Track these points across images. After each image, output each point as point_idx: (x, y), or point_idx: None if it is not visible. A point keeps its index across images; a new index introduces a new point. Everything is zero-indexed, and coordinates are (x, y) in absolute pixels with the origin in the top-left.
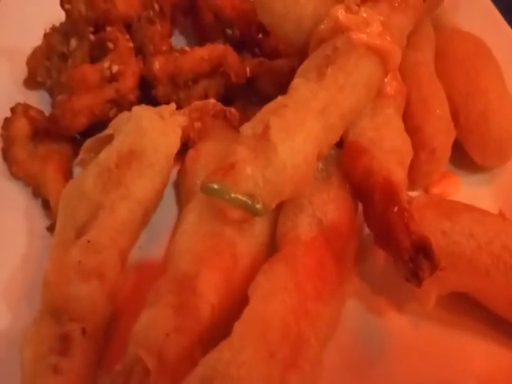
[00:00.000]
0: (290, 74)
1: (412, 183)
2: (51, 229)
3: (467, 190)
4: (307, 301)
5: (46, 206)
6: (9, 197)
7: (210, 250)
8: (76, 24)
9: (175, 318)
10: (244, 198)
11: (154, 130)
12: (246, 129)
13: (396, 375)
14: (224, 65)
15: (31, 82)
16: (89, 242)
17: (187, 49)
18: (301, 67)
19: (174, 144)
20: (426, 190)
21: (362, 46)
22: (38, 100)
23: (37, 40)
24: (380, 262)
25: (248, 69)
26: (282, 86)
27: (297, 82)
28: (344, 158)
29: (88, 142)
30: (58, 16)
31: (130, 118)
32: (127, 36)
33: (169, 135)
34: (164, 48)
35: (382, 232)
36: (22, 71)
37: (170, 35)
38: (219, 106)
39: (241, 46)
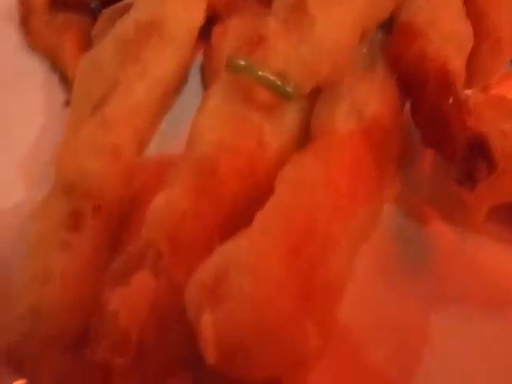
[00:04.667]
0: None
1: (470, 79)
2: (67, 104)
3: None
4: (340, 198)
5: (64, 79)
6: (27, 69)
7: (234, 133)
8: None
9: (193, 200)
10: (273, 77)
11: (176, 1)
12: None
13: (436, 288)
14: None
15: None
16: (103, 118)
17: None
18: None
19: (198, 16)
20: (484, 91)
21: None
22: None
23: None
24: (426, 166)
25: None
26: None
27: None
28: (394, 40)
29: (105, 13)
30: None
31: None
32: None
33: (192, 7)
34: None
35: (432, 128)
36: None
37: None
38: None
39: None
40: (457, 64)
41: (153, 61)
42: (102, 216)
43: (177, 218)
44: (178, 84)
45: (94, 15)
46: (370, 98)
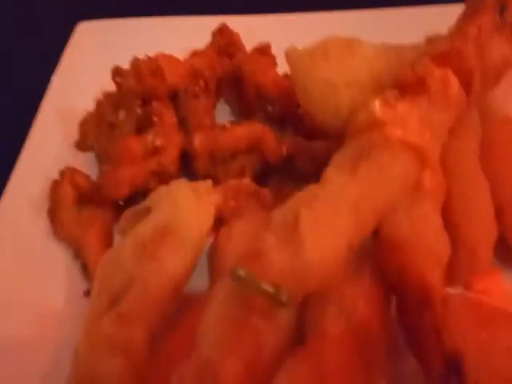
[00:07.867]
0: (326, 155)
1: (452, 280)
2: (88, 294)
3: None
4: None
5: (85, 269)
6: (51, 256)
7: (235, 337)
8: (125, 97)
9: None
10: (270, 288)
11: (188, 209)
12: (277, 216)
13: None
14: (261, 144)
15: (82, 145)
16: (118, 315)
17: (228, 125)
18: (335, 156)
19: (207, 223)
20: (467, 287)
21: (398, 142)
22: (88, 160)
23: (90, 103)
24: (411, 365)
25: (284, 148)
26: (318, 165)
27: (330, 172)
28: (378, 252)
29: (127, 213)
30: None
31: (167, 193)
32: (172, 111)
33: (203, 214)
34: (206, 122)
35: (413, 336)
36: (75, 133)
37: (214, 107)
38: (253, 186)
39: (282, 120)
40: (435, 275)
41: (167, 260)
42: None
43: None
44: (188, 278)
45: (116, 210)
46: (357, 302)
